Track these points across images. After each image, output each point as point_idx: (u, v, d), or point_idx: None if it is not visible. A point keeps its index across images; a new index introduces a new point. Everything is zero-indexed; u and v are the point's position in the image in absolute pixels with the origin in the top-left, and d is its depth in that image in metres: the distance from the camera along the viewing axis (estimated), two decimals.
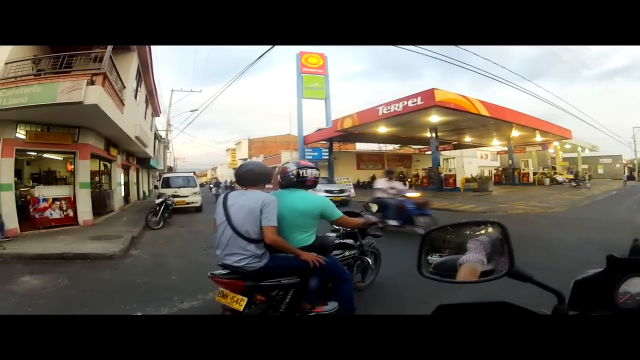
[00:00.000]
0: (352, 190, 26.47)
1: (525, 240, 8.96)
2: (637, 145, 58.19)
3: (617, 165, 63.47)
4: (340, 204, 16.87)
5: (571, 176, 41.33)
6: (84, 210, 13.17)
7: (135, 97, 17.39)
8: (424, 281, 1.40)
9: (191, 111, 33.19)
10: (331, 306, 3.98)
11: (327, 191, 17.34)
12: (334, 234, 5.06)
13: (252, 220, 3.49)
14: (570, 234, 10.65)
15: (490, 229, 1.37)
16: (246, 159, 43.02)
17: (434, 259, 1.38)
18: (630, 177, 51.10)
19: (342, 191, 18.92)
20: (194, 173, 22.40)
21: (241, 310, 3.38)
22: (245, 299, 3.41)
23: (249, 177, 3.74)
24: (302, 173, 3.97)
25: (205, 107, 46.50)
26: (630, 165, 61.67)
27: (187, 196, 18.42)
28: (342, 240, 4.92)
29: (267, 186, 3.91)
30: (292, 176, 3.97)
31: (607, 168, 62.07)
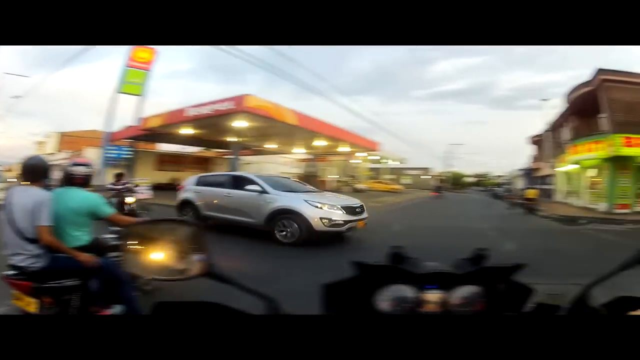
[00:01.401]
0: (149, 192, 24.88)
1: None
2: (453, 159, 66.69)
3: (422, 176, 71.38)
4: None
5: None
6: None
7: None
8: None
9: (13, 97, 30.26)
10: (115, 309, 3.89)
11: (345, 208, 10.51)
12: (112, 235, 4.82)
13: (28, 219, 3.45)
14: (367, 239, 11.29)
15: (183, 228, 1.34)
16: (52, 154, 39.42)
17: (157, 258, 1.30)
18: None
19: (360, 210, 11.01)
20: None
21: (35, 313, 3.35)
22: (36, 301, 3.40)
23: (29, 172, 3.72)
24: (70, 170, 4.04)
25: (28, 93, 42.97)
26: (443, 177, 69.65)
27: None
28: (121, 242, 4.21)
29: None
30: (65, 173, 4.07)
31: (414, 179, 69.38)
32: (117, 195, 11.69)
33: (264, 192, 10.78)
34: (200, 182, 12.89)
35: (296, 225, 9.86)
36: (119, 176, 12.88)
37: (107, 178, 30.68)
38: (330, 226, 9.85)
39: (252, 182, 11.25)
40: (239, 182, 11.63)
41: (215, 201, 11.88)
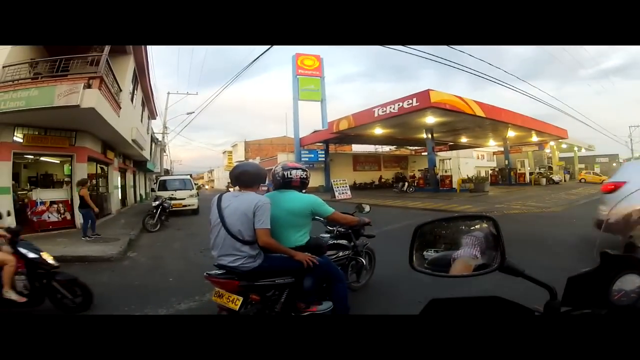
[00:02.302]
0: (349, 192, 26.45)
1: (522, 240, 8.96)
2: (634, 144, 58.47)
3: (614, 164, 63.71)
4: None
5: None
6: None
7: (132, 100, 17.40)
8: (419, 281, 1.28)
9: (187, 114, 33.20)
10: (326, 306, 4.01)
11: None
12: (327, 235, 5.12)
13: (245, 223, 3.52)
14: (566, 233, 10.71)
15: (481, 224, 1.35)
16: (242, 161, 42.98)
17: (430, 254, 1.36)
18: None
19: None
20: (191, 175, 22.29)
21: (237, 309, 3.44)
22: (241, 299, 3.47)
23: (243, 178, 3.76)
24: (287, 174, 4.08)
25: (201, 109, 46.43)
26: None
27: (184, 199, 18.39)
28: (336, 241, 4.97)
29: (262, 187, 4.05)
30: (279, 178, 4.09)
31: (603, 167, 61.82)
32: None
33: None
34: None
35: None
36: None
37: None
38: None
39: None
40: None
41: None
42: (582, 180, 42.47)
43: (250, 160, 47.70)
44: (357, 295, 5.16)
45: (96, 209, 11.15)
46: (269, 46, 16.39)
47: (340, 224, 4.83)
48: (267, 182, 5.34)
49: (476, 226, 1.35)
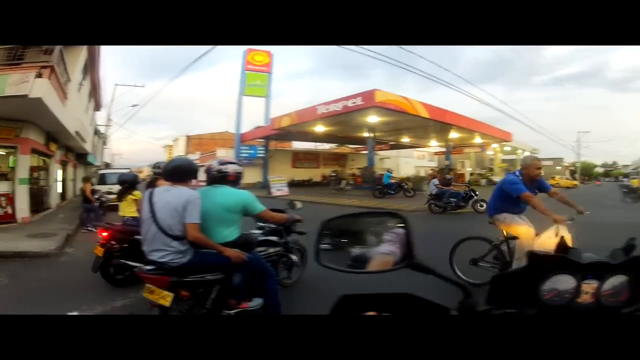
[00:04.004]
0: (286, 189, 26.77)
1: (456, 238, 9.53)
2: (582, 148, 61.91)
3: (558, 167, 66.66)
4: None
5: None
6: (23, 207, 12.76)
7: (79, 91, 16.87)
8: (352, 277, 1.30)
9: (132, 106, 32.37)
10: (256, 302, 4.04)
11: None
12: (258, 231, 5.17)
13: (175, 217, 3.53)
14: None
15: (391, 220, 1.34)
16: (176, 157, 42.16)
17: (356, 251, 1.31)
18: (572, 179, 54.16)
19: None
20: (130, 170, 21.61)
21: (168, 305, 3.44)
22: (171, 295, 3.45)
23: (176, 173, 3.81)
24: (223, 168, 4.11)
25: (146, 102, 45.07)
26: (572, 168, 65.38)
27: None
28: (266, 237, 5.04)
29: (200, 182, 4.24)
30: (214, 172, 4.11)
31: (547, 170, 64.51)
32: None
33: None
34: None
35: None
36: None
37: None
38: None
39: None
40: None
41: None
42: (556, 185, 43.63)
43: (190, 156, 46.80)
44: (289, 292, 5.32)
45: (95, 202, 12.46)
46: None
47: (270, 222, 4.87)
48: None
49: (384, 223, 1.36)
